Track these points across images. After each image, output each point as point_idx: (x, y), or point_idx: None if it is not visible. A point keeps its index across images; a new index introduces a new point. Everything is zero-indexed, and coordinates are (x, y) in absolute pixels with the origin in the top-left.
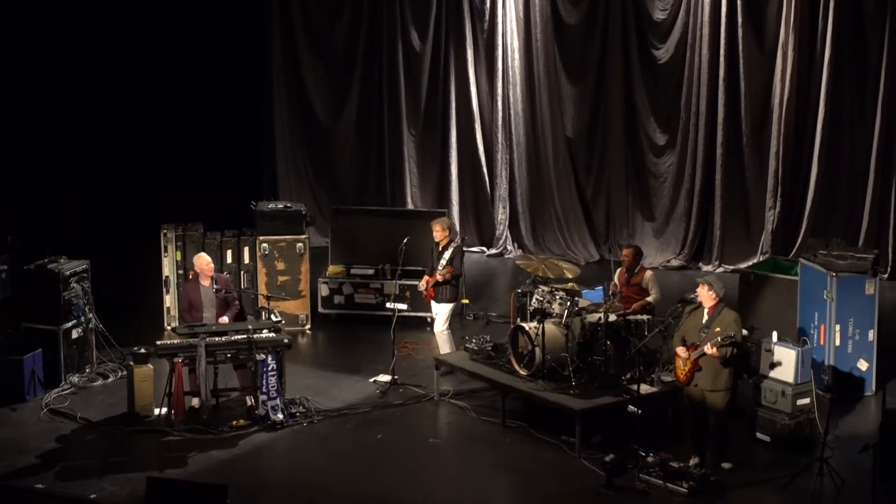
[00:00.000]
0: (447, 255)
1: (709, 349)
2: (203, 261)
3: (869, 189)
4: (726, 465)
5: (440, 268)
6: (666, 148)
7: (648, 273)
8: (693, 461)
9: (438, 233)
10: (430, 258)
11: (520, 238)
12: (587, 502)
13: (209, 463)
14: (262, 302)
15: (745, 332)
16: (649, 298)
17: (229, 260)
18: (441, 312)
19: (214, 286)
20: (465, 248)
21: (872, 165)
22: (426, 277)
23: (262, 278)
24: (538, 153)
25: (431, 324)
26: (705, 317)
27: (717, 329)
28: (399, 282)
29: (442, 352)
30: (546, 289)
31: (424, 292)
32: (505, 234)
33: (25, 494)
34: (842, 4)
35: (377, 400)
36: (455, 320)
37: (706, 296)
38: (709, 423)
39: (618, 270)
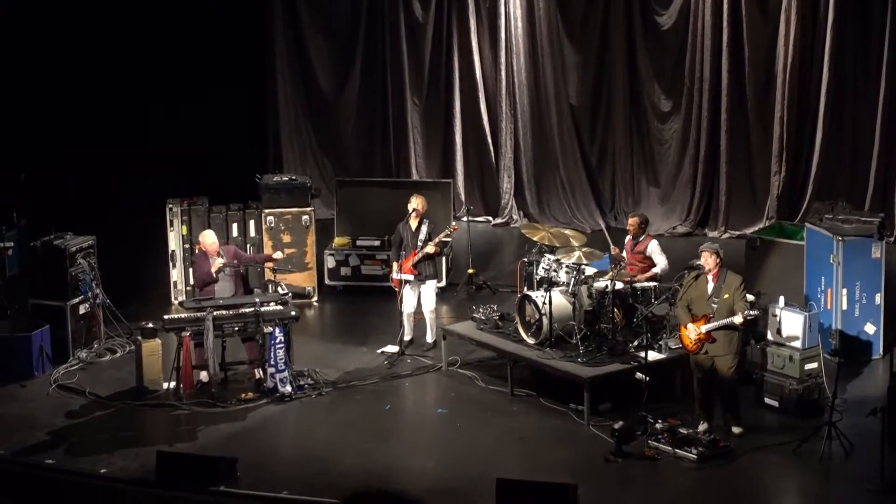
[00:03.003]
0: (424, 229)
1: (739, 319)
2: (208, 239)
3: (874, 152)
4: (737, 430)
5: (419, 244)
6: (670, 114)
7: (653, 241)
8: (702, 427)
9: (421, 205)
10: (400, 237)
11: (525, 207)
12: (596, 470)
13: (218, 436)
14: (268, 275)
15: (750, 296)
16: (656, 270)
17: (235, 233)
18: (430, 290)
19: (225, 270)
20: (470, 218)
21: (878, 129)
22: (403, 259)
23: (268, 251)
24: (542, 122)
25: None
26: (710, 284)
27: (727, 296)
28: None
29: (430, 334)
30: (553, 257)
31: (397, 275)
32: (510, 203)
33: (35, 470)
34: None
35: (385, 371)
36: (461, 290)
37: (713, 263)
38: (717, 389)
39: (627, 238)
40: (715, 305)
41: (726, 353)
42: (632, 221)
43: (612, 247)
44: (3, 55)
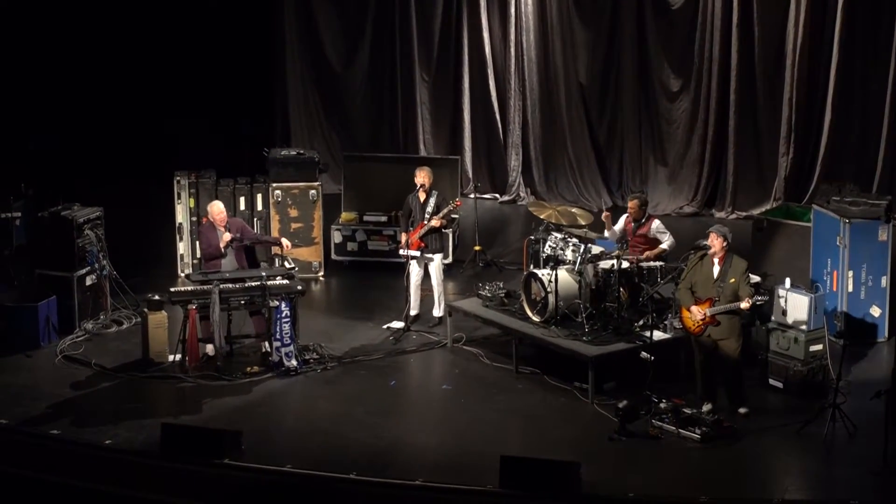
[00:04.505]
0: (432, 201)
1: (746, 304)
2: (216, 209)
3: (883, 135)
4: (742, 411)
5: (427, 216)
6: (679, 93)
7: (656, 222)
8: (706, 407)
9: (427, 178)
10: (410, 209)
11: (532, 185)
12: (600, 448)
13: (223, 409)
14: (274, 249)
15: (756, 278)
16: (664, 246)
17: (242, 207)
18: (436, 264)
19: (233, 245)
20: (478, 195)
21: (886, 111)
22: (411, 231)
23: (274, 225)
24: (551, 99)
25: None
26: (716, 267)
27: (733, 280)
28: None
29: (438, 308)
30: (559, 235)
31: (406, 247)
32: (518, 180)
33: (40, 440)
34: None
35: (390, 346)
36: (468, 267)
37: (720, 245)
38: (721, 369)
39: (622, 217)
40: (720, 289)
41: (729, 336)
42: (631, 204)
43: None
44: (16, 25)
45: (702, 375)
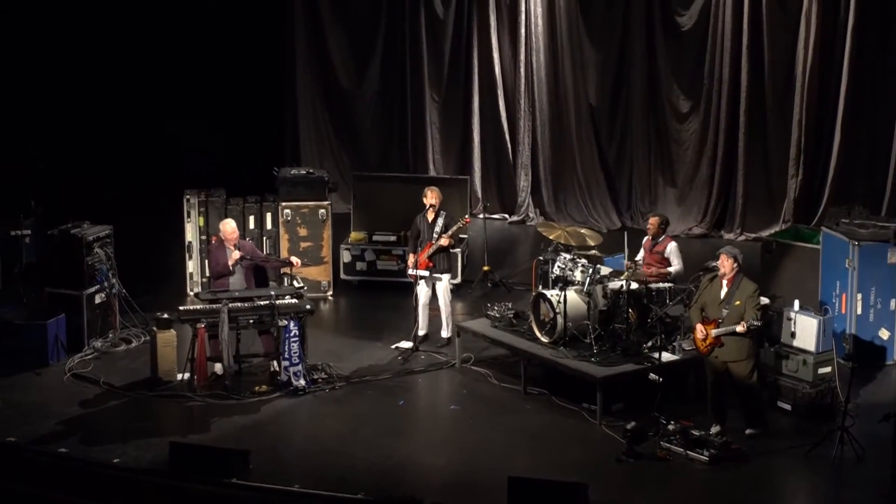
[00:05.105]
0: (440, 222)
1: (741, 328)
2: (229, 227)
3: (892, 158)
4: (749, 432)
5: (435, 236)
6: (689, 115)
7: (672, 244)
8: (714, 429)
9: (436, 199)
10: (418, 229)
11: (542, 205)
12: (608, 470)
13: (231, 428)
14: (283, 269)
15: (766, 300)
16: (671, 269)
17: (252, 226)
18: (444, 284)
19: (241, 263)
20: (487, 216)
21: (895, 134)
22: (419, 252)
23: (284, 244)
24: (561, 120)
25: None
26: (724, 288)
27: (738, 302)
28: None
29: (445, 329)
30: (568, 256)
31: (414, 267)
32: (527, 200)
33: (49, 458)
34: None
35: (398, 366)
36: (477, 287)
37: (730, 267)
38: (731, 392)
39: (645, 239)
40: (725, 311)
41: (738, 359)
42: (652, 221)
43: (626, 262)
44: (25, 43)
45: (712, 397)
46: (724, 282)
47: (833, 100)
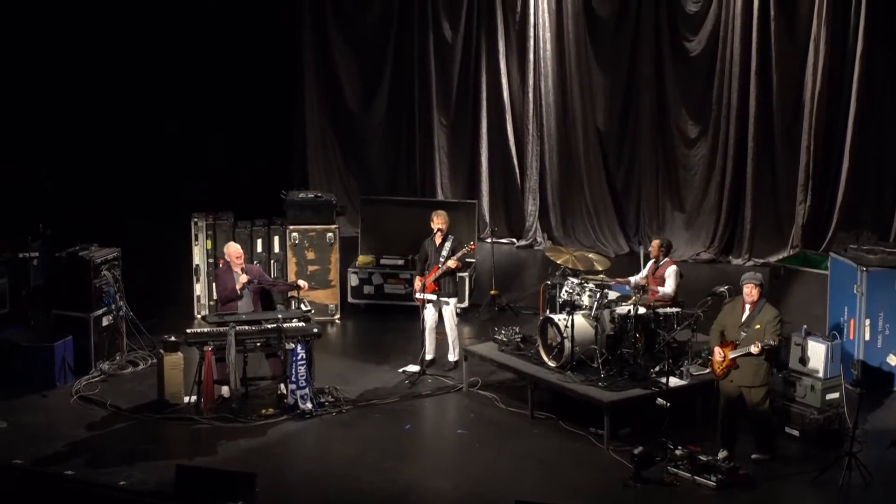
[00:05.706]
0: (448, 245)
1: (755, 349)
2: (233, 249)
3: None
4: (755, 457)
5: (441, 259)
6: (697, 140)
7: (672, 267)
8: (722, 454)
9: (444, 223)
10: (426, 253)
11: (549, 229)
12: (615, 494)
13: (238, 451)
14: (290, 292)
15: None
16: (661, 289)
17: (259, 249)
18: (451, 308)
19: (248, 287)
20: (495, 240)
21: None
22: (425, 275)
23: (291, 268)
24: (569, 144)
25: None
26: (746, 312)
27: (758, 326)
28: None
29: (452, 353)
30: (576, 280)
31: (420, 293)
32: (535, 225)
33: (55, 480)
34: None
35: (406, 390)
36: (484, 311)
37: (756, 294)
38: (742, 417)
39: (649, 263)
40: (744, 334)
41: (753, 384)
42: (654, 244)
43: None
44: (35, 66)
45: (722, 422)
46: (747, 306)
47: (841, 126)
